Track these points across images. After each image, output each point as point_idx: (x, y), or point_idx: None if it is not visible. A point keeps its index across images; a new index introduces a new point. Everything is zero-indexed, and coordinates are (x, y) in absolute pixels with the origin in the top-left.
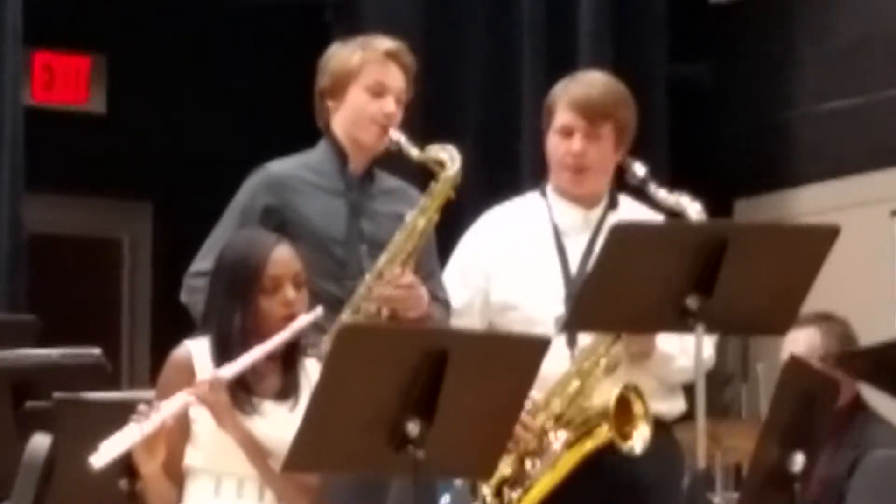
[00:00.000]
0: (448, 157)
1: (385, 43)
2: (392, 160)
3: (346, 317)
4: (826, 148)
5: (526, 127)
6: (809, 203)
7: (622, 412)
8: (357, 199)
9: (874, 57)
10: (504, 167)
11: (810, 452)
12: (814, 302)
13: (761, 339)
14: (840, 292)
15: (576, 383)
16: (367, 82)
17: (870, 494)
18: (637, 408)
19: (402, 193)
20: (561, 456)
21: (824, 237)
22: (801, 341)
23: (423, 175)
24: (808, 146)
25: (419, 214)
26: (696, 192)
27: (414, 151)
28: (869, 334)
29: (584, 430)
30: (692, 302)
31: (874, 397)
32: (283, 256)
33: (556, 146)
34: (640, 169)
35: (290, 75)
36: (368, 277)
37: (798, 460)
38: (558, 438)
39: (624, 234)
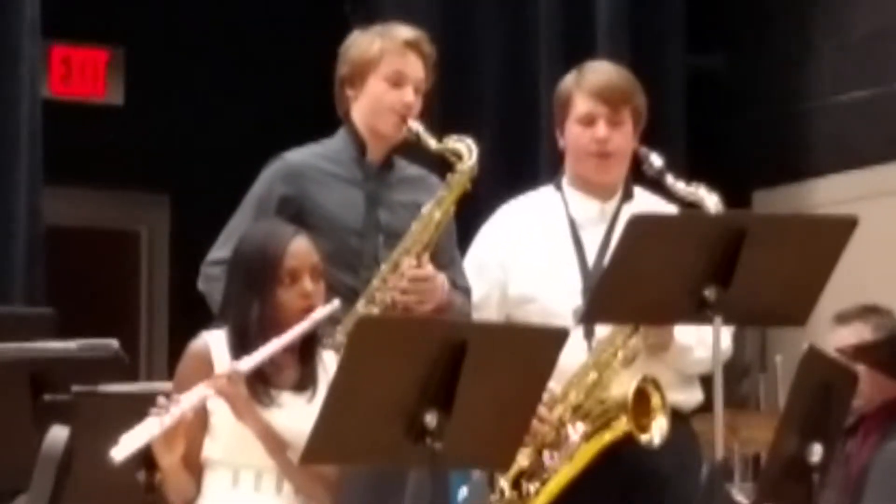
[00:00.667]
0: (466, 149)
1: (405, 32)
2: (409, 150)
3: (361, 307)
4: (844, 139)
5: (543, 119)
6: (827, 194)
7: (640, 404)
8: (375, 189)
9: (891, 48)
10: (522, 159)
11: (828, 443)
12: (832, 293)
13: (779, 330)
14: (858, 283)
15: (593, 375)
16: (386, 72)
17: (886, 485)
18: (655, 400)
19: (423, 182)
20: (579, 448)
21: (842, 228)
22: (849, 338)
23: (440, 166)
24: (825, 137)
25: (436, 206)
26: (714, 183)
27: (432, 142)
28: None
29: (602, 422)
30: (710, 293)
31: None
32: (301, 248)
33: (579, 135)
34: (657, 160)
35: (308, 68)
36: (384, 268)
37: (816, 451)
38: (576, 430)
39: (642, 226)
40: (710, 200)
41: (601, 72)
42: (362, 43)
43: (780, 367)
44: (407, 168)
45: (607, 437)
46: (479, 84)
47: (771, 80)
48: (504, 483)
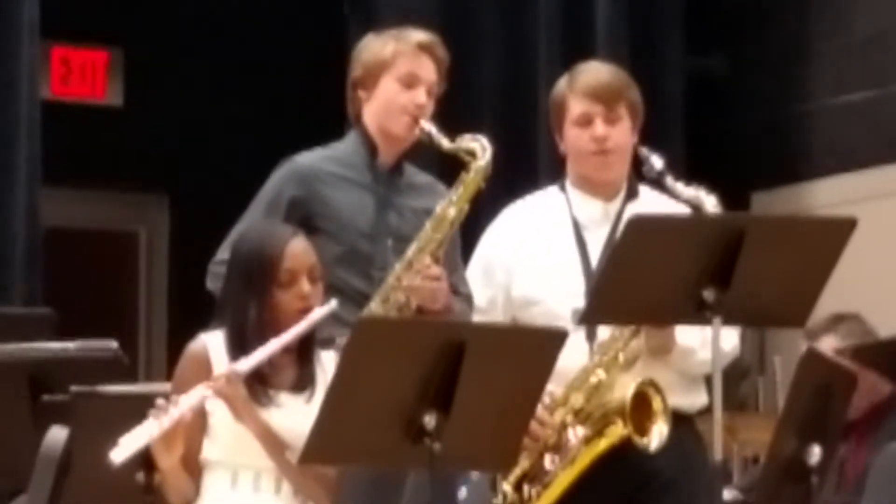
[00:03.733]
0: (479, 147)
1: (419, 35)
2: (420, 153)
3: (375, 306)
4: (843, 141)
5: (543, 119)
6: (826, 196)
7: (640, 407)
8: (385, 193)
9: (890, 50)
10: (521, 159)
11: (827, 445)
12: (830, 294)
13: (778, 331)
14: (857, 284)
15: (595, 378)
16: (399, 73)
17: (886, 486)
18: (656, 403)
19: (431, 189)
20: (579, 452)
21: (841, 229)
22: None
23: (450, 171)
24: (824, 139)
25: (449, 204)
26: (713, 184)
27: (444, 142)
28: (886, 326)
29: (601, 425)
30: (709, 294)
31: None
32: (298, 249)
33: (577, 136)
34: (657, 161)
35: (307, 68)
36: (398, 267)
37: (815, 453)
38: (577, 434)
39: (641, 227)
40: (709, 202)
41: (592, 71)
42: (375, 45)
43: (779, 369)
44: (416, 174)
45: (605, 442)
46: (479, 85)
47: (770, 81)
48: (507, 486)
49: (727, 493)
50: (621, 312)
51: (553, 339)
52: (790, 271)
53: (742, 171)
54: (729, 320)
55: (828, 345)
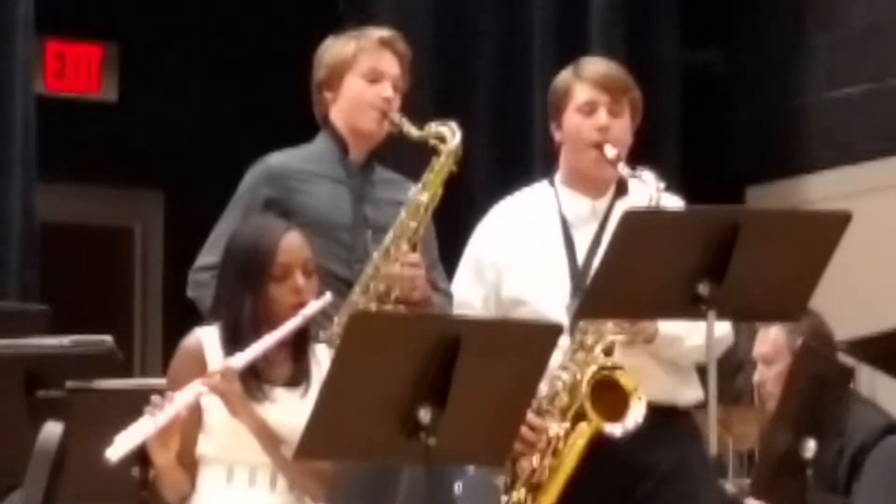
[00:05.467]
0: (448, 131)
1: (378, 32)
2: (392, 148)
3: (355, 297)
4: (838, 134)
5: (537, 114)
6: (821, 189)
7: (611, 391)
8: (359, 186)
9: (886, 43)
10: (516, 152)
11: (822, 438)
12: (825, 288)
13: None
14: (852, 278)
15: (568, 375)
16: (362, 69)
17: (882, 478)
18: (624, 380)
19: (402, 184)
20: (566, 451)
21: (836, 223)
22: (764, 344)
23: (425, 163)
24: (820, 132)
25: (422, 189)
26: (708, 178)
27: (413, 130)
28: (881, 320)
29: (575, 423)
30: (704, 288)
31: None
32: (293, 244)
33: (580, 124)
34: (610, 151)
35: (303, 66)
36: (376, 256)
37: (810, 446)
38: (560, 433)
39: (635, 221)
40: (650, 178)
41: (600, 63)
42: (336, 46)
43: None
44: (386, 172)
45: (580, 441)
46: (473, 79)
47: (765, 75)
48: (523, 491)
49: (729, 486)
50: (616, 307)
51: (548, 333)
52: (785, 265)
53: (737, 164)
54: (723, 314)
55: (772, 337)
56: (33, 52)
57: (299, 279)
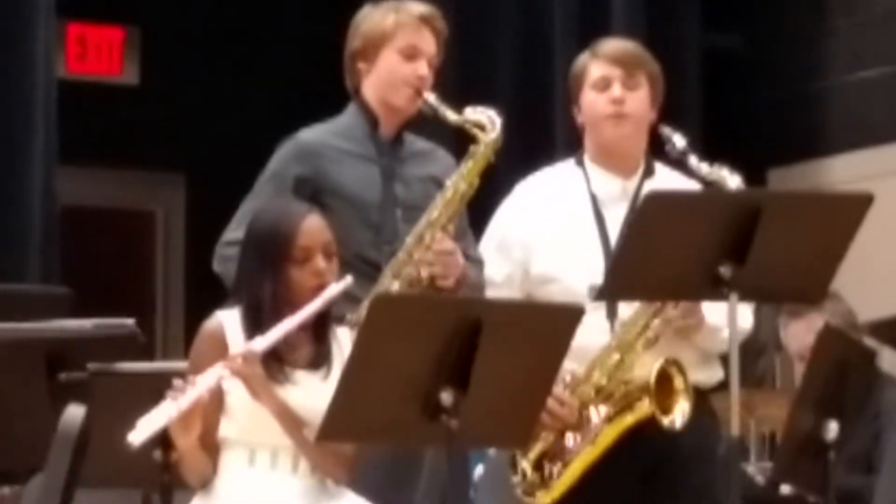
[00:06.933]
0: (488, 121)
1: (419, 7)
2: (423, 124)
3: (387, 281)
4: (860, 117)
5: (559, 95)
6: (843, 172)
7: (663, 386)
8: (389, 164)
9: None
10: (537, 132)
11: (845, 421)
12: (847, 270)
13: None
14: (874, 260)
15: (616, 356)
16: (400, 45)
17: None
18: (678, 382)
19: (433, 155)
20: (601, 430)
21: (858, 205)
22: (804, 332)
23: (455, 141)
24: (841, 115)
25: (460, 179)
26: (730, 161)
27: (451, 115)
28: None
29: (624, 404)
30: (725, 270)
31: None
32: (313, 226)
33: (594, 100)
34: (680, 141)
35: (325, 47)
36: (409, 242)
37: (832, 428)
38: (599, 413)
39: (657, 203)
40: (733, 181)
41: (615, 41)
42: (375, 16)
43: None
44: (416, 142)
45: (629, 419)
46: (495, 60)
47: (787, 57)
48: (526, 464)
49: (751, 469)
50: (638, 288)
51: (570, 316)
52: (807, 247)
53: (759, 146)
54: (745, 296)
55: (811, 324)
56: (55, 35)
57: (320, 262)
